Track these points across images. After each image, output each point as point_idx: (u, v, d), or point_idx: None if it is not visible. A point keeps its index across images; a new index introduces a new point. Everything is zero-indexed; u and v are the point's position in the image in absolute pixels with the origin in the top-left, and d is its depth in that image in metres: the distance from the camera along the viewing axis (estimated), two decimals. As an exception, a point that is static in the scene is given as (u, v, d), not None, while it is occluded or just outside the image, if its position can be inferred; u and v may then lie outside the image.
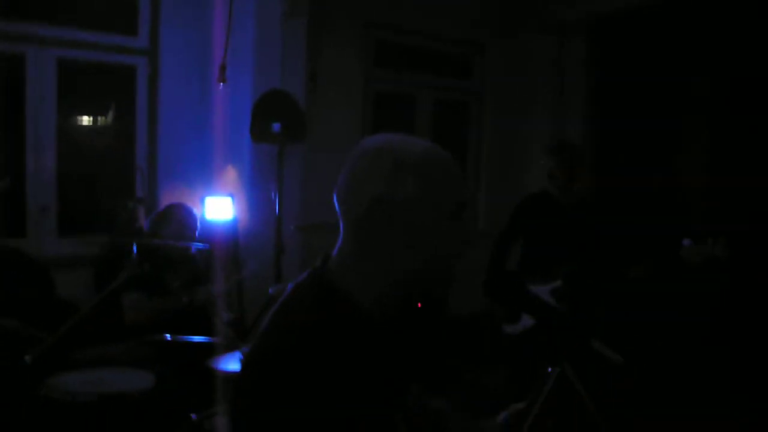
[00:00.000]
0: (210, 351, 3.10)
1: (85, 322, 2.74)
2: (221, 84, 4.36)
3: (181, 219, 3.66)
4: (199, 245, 3.62)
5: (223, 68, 4.33)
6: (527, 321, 3.73)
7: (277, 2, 4.90)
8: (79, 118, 4.78)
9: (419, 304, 1.73)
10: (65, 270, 4.32)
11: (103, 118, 4.92)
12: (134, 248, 3.05)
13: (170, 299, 3.47)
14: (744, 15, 5.87)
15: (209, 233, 4.47)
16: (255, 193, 4.92)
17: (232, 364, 3.01)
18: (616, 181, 6.60)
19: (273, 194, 4.66)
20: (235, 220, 4.83)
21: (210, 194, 4.85)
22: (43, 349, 2.39)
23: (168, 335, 3.05)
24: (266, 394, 1.07)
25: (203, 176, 4.95)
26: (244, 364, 1.19)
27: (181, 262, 3.67)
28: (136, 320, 3.33)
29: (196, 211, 3.83)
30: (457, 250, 1.25)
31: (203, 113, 4.93)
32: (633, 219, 5.87)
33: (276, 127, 4.53)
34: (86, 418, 2.54)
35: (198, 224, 3.75)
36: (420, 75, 6.18)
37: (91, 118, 4.86)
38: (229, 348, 3.11)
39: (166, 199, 4.86)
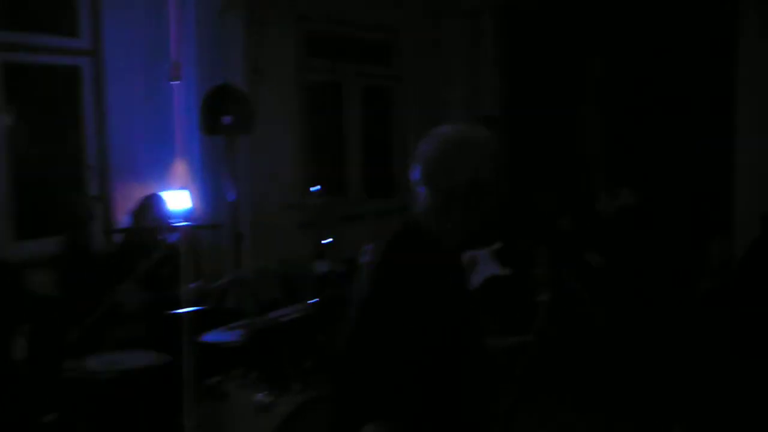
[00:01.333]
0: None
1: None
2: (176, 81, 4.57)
3: (159, 208, 3.88)
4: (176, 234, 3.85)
5: (177, 66, 4.52)
6: (475, 282, 4.18)
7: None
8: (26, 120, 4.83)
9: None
10: (24, 273, 4.42)
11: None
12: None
13: (165, 292, 3.69)
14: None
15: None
16: (207, 184, 5.15)
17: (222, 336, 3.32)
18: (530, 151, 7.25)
19: (227, 183, 4.90)
20: (191, 211, 5.04)
21: (165, 188, 5.03)
22: (82, 331, 2.61)
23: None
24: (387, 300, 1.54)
25: (156, 172, 5.12)
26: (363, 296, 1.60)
27: (164, 251, 3.90)
28: (134, 310, 3.55)
29: (169, 200, 4.04)
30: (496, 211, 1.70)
31: (151, 110, 5.08)
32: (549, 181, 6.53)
33: (226, 120, 4.77)
34: (111, 393, 2.78)
35: (169, 212, 3.97)
36: (347, 64, 6.53)
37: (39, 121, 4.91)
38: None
39: (120, 196, 5.01)
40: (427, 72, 7.13)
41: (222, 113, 4.75)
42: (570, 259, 4.14)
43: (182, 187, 5.16)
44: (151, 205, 3.91)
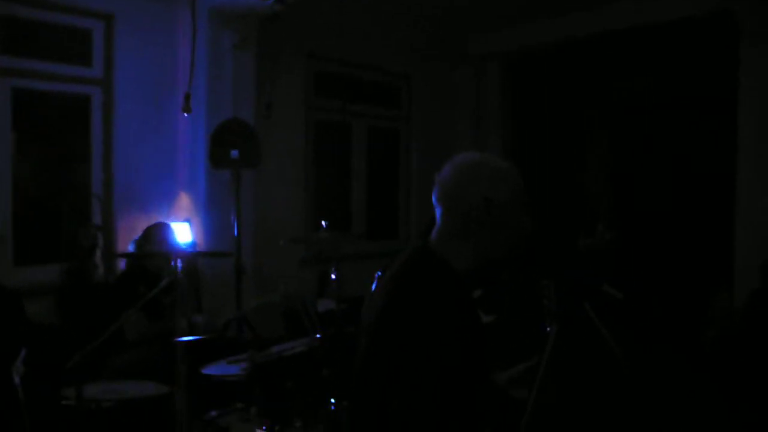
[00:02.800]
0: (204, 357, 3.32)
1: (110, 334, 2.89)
2: (186, 114, 4.59)
3: (163, 236, 3.84)
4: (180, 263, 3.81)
5: (188, 98, 4.55)
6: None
7: (228, 34, 5.18)
8: (33, 147, 4.82)
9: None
10: (26, 299, 4.36)
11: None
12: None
13: (166, 321, 3.63)
14: (631, 54, 6.73)
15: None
16: (211, 218, 5.13)
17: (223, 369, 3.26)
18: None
19: (232, 217, 4.88)
20: (193, 244, 5.01)
21: (167, 220, 5.01)
22: (83, 356, 2.55)
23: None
24: (403, 333, 1.47)
25: (159, 203, 5.11)
26: (376, 320, 1.54)
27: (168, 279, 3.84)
28: (136, 338, 3.49)
29: (176, 229, 4.01)
30: (524, 240, 1.66)
31: (158, 141, 5.10)
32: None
33: (234, 153, 4.78)
34: (108, 422, 2.71)
35: (176, 241, 3.94)
36: (355, 104, 6.58)
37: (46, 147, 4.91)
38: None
39: (123, 226, 4.98)
40: (435, 115, 7.19)
41: (230, 147, 4.77)
42: (586, 290, 4.09)
43: (185, 219, 5.15)
44: (156, 232, 3.88)
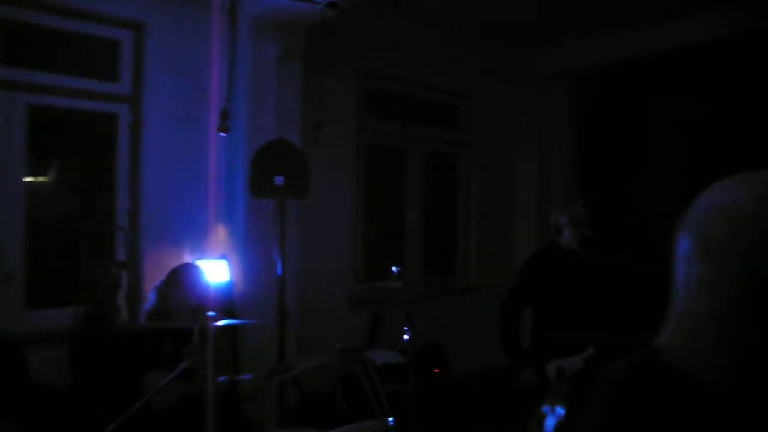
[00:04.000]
0: None
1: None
2: (222, 134, 3.95)
3: (190, 282, 3.13)
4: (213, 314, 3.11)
5: (225, 115, 3.92)
6: (552, 370, 3.35)
7: (271, 45, 4.55)
8: (50, 172, 4.22)
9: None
10: (33, 348, 3.71)
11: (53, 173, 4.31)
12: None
13: (195, 382, 2.93)
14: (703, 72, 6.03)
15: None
16: (251, 254, 4.45)
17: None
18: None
19: (275, 254, 4.19)
20: (230, 284, 4.33)
21: (201, 257, 4.35)
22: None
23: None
24: None
25: (192, 237, 4.45)
26: None
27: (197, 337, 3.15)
28: (161, 406, 2.77)
29: (206, 269, 3.30)
30: None
31: (191, 166, 4.45)
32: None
33: (279, 180, 4.11)
34: None
35: (209, 287, 3.22)
36: (410, 125, 5.89)
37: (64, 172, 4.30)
38: None
39: (150, 262, 4.33)
40: (495, 138, 6.48)
41: (274, 173, 4.10)
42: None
43: (221, 256, 4.48)
44: (182, 277, 3.17)
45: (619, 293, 3.38)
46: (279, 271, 4.20)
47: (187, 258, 4.38)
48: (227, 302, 4.26)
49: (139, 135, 4.33)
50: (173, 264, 4.19)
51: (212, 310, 3.05)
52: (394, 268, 2.74)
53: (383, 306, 5.20)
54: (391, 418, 2.35)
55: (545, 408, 2.93)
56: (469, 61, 6.02)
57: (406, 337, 2.55)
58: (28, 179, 4.05)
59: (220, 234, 4.56)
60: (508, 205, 6.62)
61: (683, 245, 0.92)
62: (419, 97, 5.94)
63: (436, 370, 4.50)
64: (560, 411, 3.22)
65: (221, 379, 3.04)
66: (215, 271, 4.28)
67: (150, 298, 3.12)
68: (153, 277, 4.31)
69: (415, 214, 5.95)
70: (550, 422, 3.23)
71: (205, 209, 4.50)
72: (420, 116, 5.96)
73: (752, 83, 5.95)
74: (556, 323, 3.39)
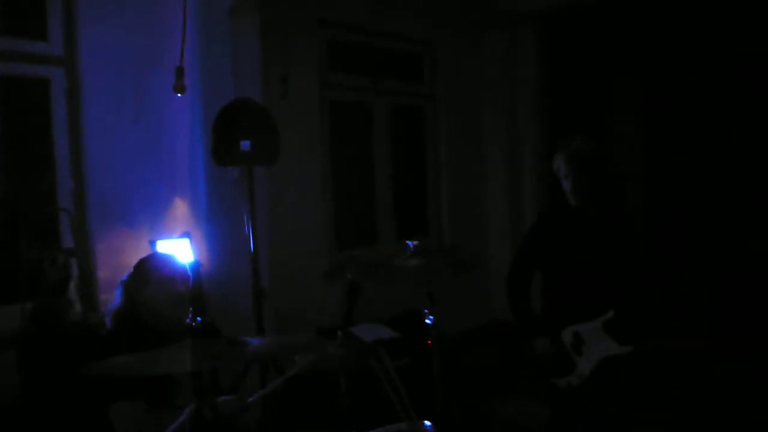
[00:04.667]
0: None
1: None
2: (179, 95, 3.45)
3: (162, 276, 2.65)
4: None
5: (180, 73, 3.41)
6: (585, 367, 3.08)
7: (223, -2, 4.02)
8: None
9: None
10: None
11: None
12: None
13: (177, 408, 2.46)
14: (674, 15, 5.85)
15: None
16: (216, 230, 3.99)
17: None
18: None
19: (246, 227, 3.75)
20: (196, 264, 3.86)
21: (160, 236, 3.87)
22: None
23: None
24: None
25: (148, 214, 3.95)
26: None
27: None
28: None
29: (178, 256, 2.83)
30: None
31: (141, 135, 3.92)
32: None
33: (245, 145, 3.64)
34: None
35: (188, 276, 2.75)
36: (373, 79, 5.44)
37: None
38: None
39: (102, 248, 3.82)
40: (462, 88, 6.10)
41: (239, 137, 3.62)
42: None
43: (183, 234, 4.01)
44: (145, 272, 2.66)
45: (632, 252, 3.10)
46: (251, 246, 3.76)
47: (145, 238, 3.90)
48: (195, 286, 3.81)
49: (77, 101, 3.76)
50: (128, 247, 3.71)
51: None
52: (408, 242, 2.33)
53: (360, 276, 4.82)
54: (428, 423, 1.99)
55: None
56: (431, 5, 5.58)
57: (428, 321, 2.18)
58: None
59: (180, 209, 4.08)
60: (478, 159, 6.31)
61: None
62: (383, 48, 5.48)
63: (428, 342, 4.17)
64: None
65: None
66: (177, 252, 3.82)
67: (115, 296, 2.64)
68: (107, 263, 3.83)
69: (383, 174, 5.56)
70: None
71: (162, 182, 4.00)
72: (384, 69, 5.52)
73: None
74: (570, 287, 3.11)
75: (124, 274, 2.68)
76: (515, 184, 6.32)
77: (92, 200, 3.81)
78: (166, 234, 3.92)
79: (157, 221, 3.96)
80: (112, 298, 2.65)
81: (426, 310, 2.24)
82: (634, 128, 6.94)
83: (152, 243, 3.81)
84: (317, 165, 4.80)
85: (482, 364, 5.03)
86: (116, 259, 3.83)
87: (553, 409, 3.27)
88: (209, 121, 3.76)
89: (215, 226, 3.99)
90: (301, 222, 4.62)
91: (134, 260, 3.84)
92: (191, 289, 2.64)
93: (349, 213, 5.26)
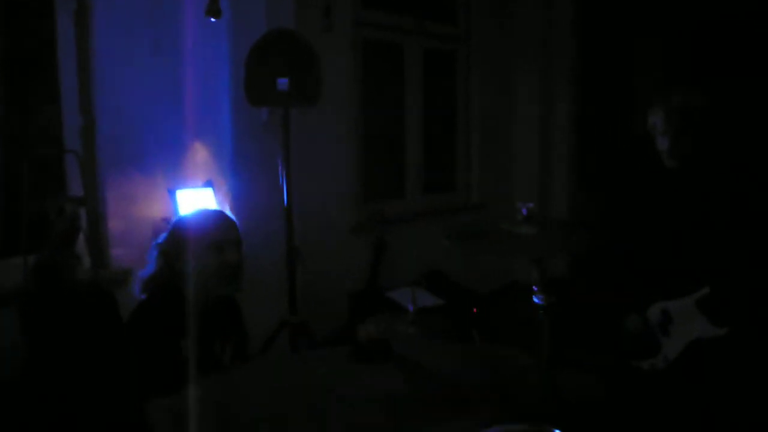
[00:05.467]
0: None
1: None
2: (212, 19, 2.96)
3: (208, 239, 2.17)
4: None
5: (215, -5, 2.91)
6: (671, 350, 2.72)
7: None
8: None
9: None
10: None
11: None
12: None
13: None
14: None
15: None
16: (242, 179, 3.54)
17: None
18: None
19: (280, 178, 3.30)
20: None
21: (180, 185, 3.41)
22: None
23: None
24: None
25: (165, 159, 3.48)
26: None
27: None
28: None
29: (223, 213, 2.36)
30: None
31: (159, 68, 3.42)
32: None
33: (282, 83, 3.16)
34: None
35: (239, 240, 2.28)
36: (409, 18, 4.94)
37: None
38: None
39: (114, 195, 3.36)
40: (496, 38, 5.64)
41: (276, 74, 3.14)
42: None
43: (205, 183, 3.56)
44: (179, 237, 2.17)
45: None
46: (284, 200, 3.32)
47: (161, 186, 3.45)
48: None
49: (86, 26, 3.24)
50: (143, 195, 3.28)
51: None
52: (522, 208, 1.89)
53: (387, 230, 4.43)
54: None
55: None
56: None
57: (536, 299, 1.79)
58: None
59: (201, 154, 3.61)
60: (508, 113, 5.88)
61: None
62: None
63: (474, 310, 3.81)
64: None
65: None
66: (198, 203, 3.38)
67: (148, 261, 2.19)
68: (118, 213, 3.38)
69: (414, 124, 5.10)
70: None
71: (181, 123, 3.51)
72: (419, 8, 5.01)
73: None
74: (660, 259, 2.74)
75: (161, 235, 2.22)
76: (544, 142, 5.92)
77: (102, 141, 3.33)
78: (186, 182, 3.46)
79: (175, 167, 3.50)
80: (145, 265, 2.19)
81: (534, 287, 1.82)
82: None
83: (171, 192, 3.36)
84: (347, 110, 4.33)
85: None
86: (129, 208, 3.39)
87: (614, 387, 2.93)
88: (237, 54, 3.29)
89: (240, 175, 3.53)
90: (330, 173, 4.18)
91: (148, 210, 3.42)
92: (241, 258, 2.22)
93: (378, 164, 4.82)
